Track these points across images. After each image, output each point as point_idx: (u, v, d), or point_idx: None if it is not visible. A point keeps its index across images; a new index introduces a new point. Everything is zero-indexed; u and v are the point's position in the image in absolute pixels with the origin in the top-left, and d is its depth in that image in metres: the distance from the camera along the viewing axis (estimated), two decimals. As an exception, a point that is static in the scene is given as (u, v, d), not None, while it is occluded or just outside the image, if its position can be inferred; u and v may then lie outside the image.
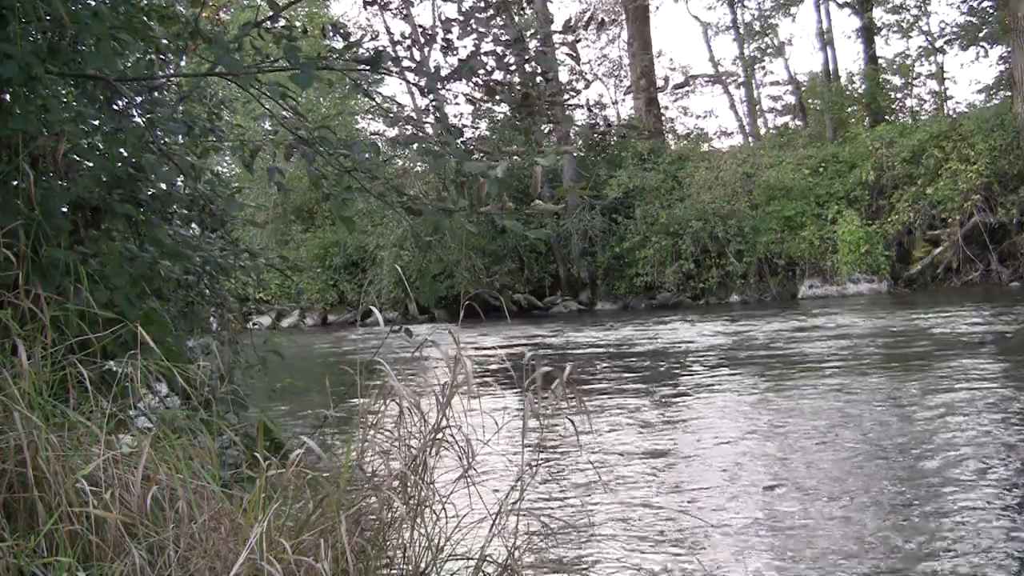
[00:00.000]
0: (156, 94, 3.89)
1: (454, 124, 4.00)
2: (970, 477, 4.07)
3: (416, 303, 21.33)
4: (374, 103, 4.53)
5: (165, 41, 3.69)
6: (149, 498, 1.89)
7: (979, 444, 4.67)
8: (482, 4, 3.80)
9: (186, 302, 3.80)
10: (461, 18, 3.72)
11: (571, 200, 19.42)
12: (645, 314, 16.94)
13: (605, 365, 9.37)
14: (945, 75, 25.92)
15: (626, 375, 8.46)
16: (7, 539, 1.85)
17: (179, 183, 3.85)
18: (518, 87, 3.82)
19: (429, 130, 4.15)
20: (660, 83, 20.95)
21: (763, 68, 28.74)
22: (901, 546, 3.22)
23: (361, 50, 3.77)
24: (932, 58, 25.83)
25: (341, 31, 3.87)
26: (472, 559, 2.18)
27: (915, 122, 22.29)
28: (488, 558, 2.17)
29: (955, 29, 24.66)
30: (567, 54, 3.91)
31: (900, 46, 29.57)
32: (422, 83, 3.79)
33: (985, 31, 23.77)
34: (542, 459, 2.53)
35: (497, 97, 3.74)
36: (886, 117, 23.96)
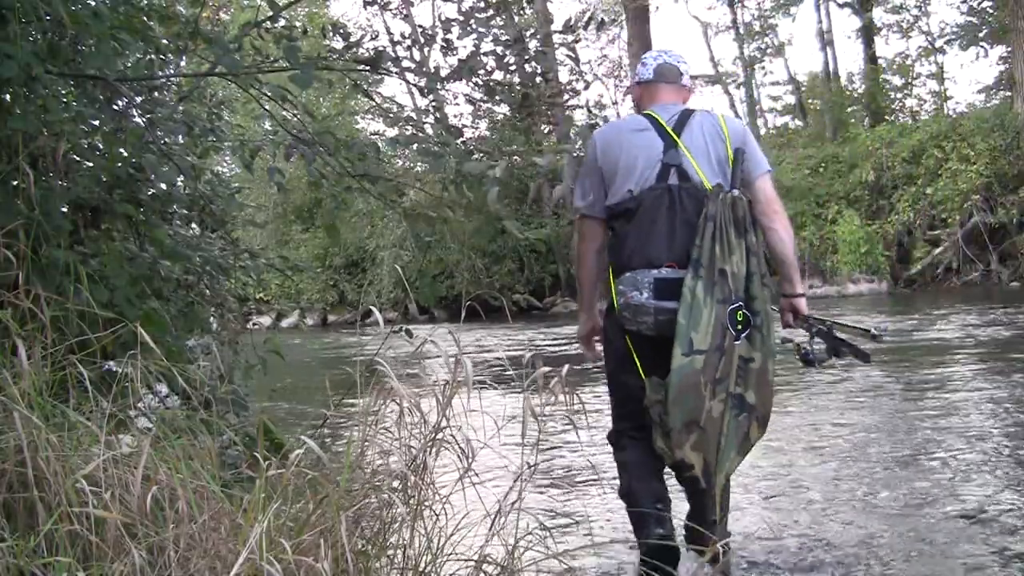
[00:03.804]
0: (156, 94, 3.90)
1: (454, 124, 4.01)
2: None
3: (416, 303, 21.36)
4: (374, 103, 4.53)
5: (165, 41, 3.69)
6: (149, 498, 1.89)
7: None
8: (482, 4, 3.81)
9: (186, 302, 3.80)
10: (461, 18, 3.73)
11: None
12: (645, 314, 16.87)
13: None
14: (945, 75, 25.98)
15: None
16: (7, 539, 1.86)
17: (179, 183, 3.86)
18: (518, 87, 3.82)
19: (429, 130, 4.15)
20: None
21: (763, 68, 28.81)
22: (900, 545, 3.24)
23: (361, 50, 3.77)
24: (932, 58, 25.88)
25: (341, 31, 3.87)
26: (472, 560, 2.18)
27: (915, 122, 22.33)
28: (488, 558, 2.17)
29: (955, 29, 24.71)
30: (567, 55, 3.91)
31: (900, 46, 29.70)
32: (422, 83, 3.79)
33: (985, 31, 23.81)
34: (541, 458, 2.56)
35: (497, 97, 3.75)
36: (886, 117, 23.99)
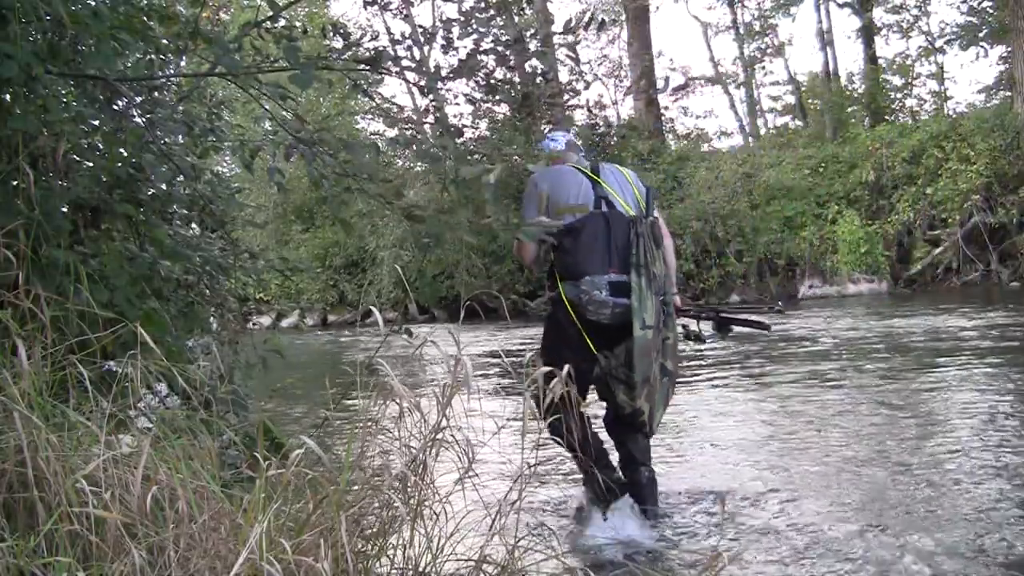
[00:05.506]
0: (156, 94, 3.89)
1: (454, 124, 4.01)
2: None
3: (416, 303, 21.34)
4: (374, 103, 4.54)
5: (165, 41, 3.69)
6: (149, 498, 1.89)
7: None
8: (482, 4, 3.80)
9: (186, 302, 3.79)
10: (461, 18, 3.72)
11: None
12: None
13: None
14: (945, 75, 25.97)
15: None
16: (7, 539, 1.85)
17: (179, 183, 3.85)
18: (518, 86, 3.82)
19: (429, 130, 4.15)
20: (660, 84, 20.96)
21: (763, 68, 28.83)
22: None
23: (361, 50, 3.76)
24: (932, 58, 25.89)
25: (341, 31, 3.87)
26: (472, 560, 2.18)
27: (915, 122, 22.31)
28: (488, 558, 2.17)
29: (955, 29, 24.71)
30: (567, 55, 3.91)
31: (900, 46, 29.71)
32: (422, 83, 3.78)
33: (985, 31, 23.81)
34: (541, 458, 2.59)
35: (497, 96, 3.75)
36: (886, 117, 23.98)
